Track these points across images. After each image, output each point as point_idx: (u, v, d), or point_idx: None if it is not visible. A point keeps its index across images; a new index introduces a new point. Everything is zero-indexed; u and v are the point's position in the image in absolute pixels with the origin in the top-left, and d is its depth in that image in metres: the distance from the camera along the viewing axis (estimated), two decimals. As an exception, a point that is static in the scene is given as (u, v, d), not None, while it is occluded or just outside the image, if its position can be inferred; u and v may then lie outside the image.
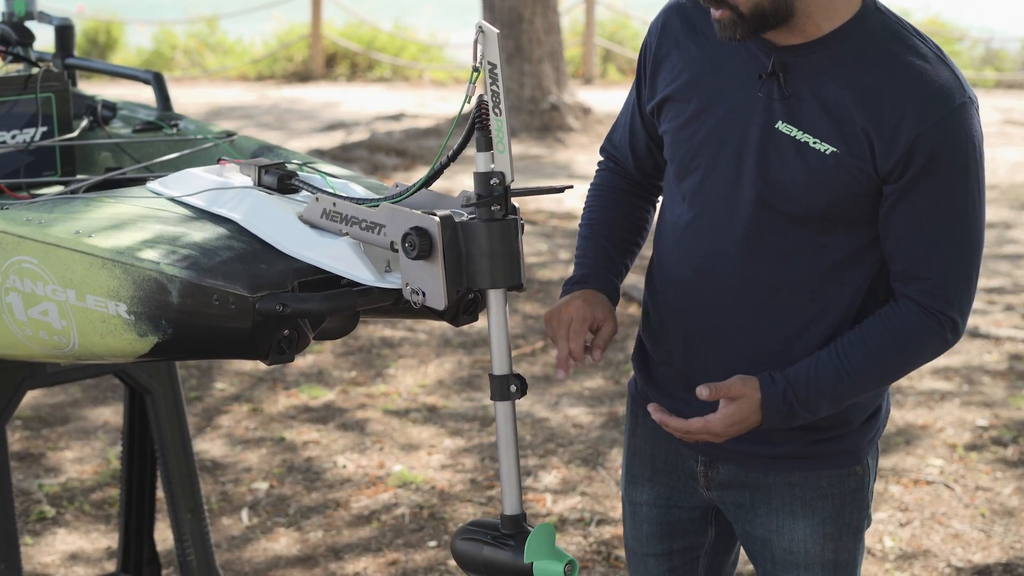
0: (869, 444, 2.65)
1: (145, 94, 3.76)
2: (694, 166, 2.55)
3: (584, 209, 2.82)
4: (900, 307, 2.48)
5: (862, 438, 2.64)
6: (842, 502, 2.63)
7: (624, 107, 2.77)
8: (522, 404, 5.83)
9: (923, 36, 2.46)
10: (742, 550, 2.85)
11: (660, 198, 2.78)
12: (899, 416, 5.95)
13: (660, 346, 2.69)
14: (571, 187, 2.73)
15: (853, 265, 2.51)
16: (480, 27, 2.26)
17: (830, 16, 2.43)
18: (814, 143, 2.42)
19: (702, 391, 2.47)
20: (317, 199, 2.50)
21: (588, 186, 2.87)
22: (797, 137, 2.44)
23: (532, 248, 7.83)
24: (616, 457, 5.47)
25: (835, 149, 2.41)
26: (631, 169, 2.79)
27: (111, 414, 6.01)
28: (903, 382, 6.33)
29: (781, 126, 2.45)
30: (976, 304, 7.50)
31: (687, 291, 2.60)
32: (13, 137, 3.29)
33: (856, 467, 2.64)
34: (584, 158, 12.16)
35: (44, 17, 3.73)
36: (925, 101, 2.37)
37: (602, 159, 2.86)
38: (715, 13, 2.42)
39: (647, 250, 2.74)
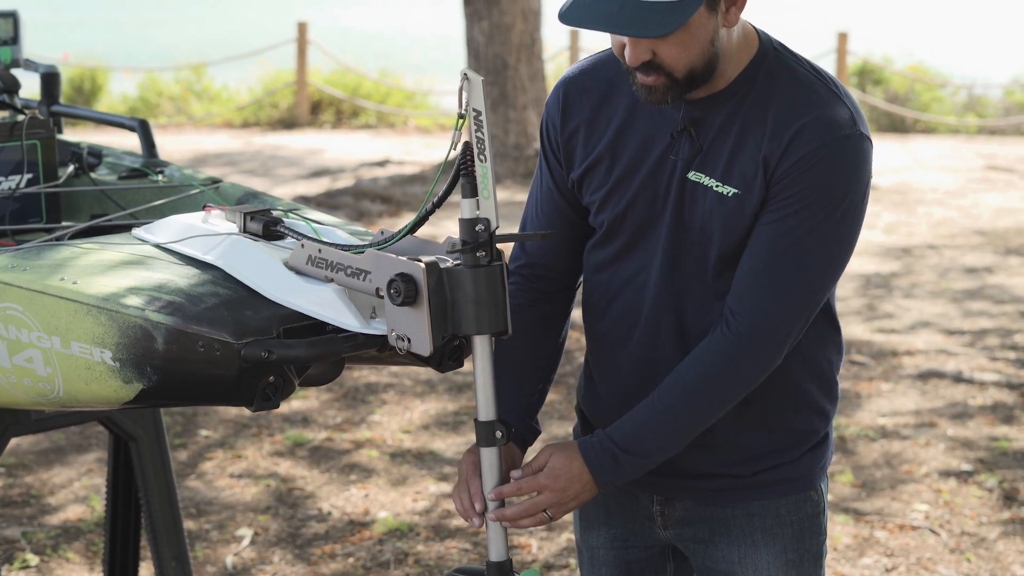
0: (821, 470, 2.70)
1: (131, 141, 3.77)
2: (623, 228, 2.59)
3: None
4: (711, 334, 2.50)
5: (814, 464, 2.68)
6: (801, 528, 2.67)
7: (532, 204, 2.71)
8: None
9: (820, 73, 2.52)
10: None
11: (577, 291, 2.77)
12: (884, 460, 5.95)
13: (604, 394, 2.71)
14: (556, 232, 2.74)
15: None
16: (465, 74, 2.28)
17: (735, 65, 2.49)
18: (717, 187, 2.48)
19: (514, 473, 2.52)
20: (303, 245, 2.50)
21: None
22: (705, 183, 2.49)
23: (517, 294, 7.86)
24: (602, 503, 5.46)
25: (737, 191, 2.47)
26: (552, 273, 2.72)
27: (95, 461, 5.99)
28: (887, 426, 6.34)
29: (692, 175, 2.51)
30: (960, 348, 7.52)
31: (624, 344, 2.64)
32: (-1, 184, 3.29)
33: (811, 492, 2.68)
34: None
35: (30, 65, 3.73)
36: (805, 131, 2.42)
37: (513, 278, 2.72)
38: (646, 79, 2.43)
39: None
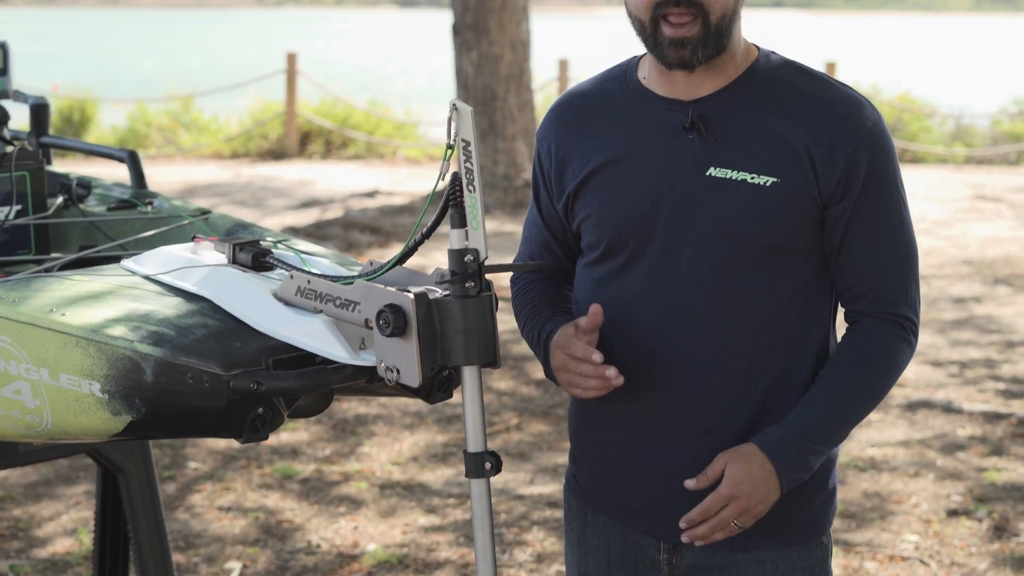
0: (832, 514, 2.69)
1: (120, 172, 3.77)
2: (627, 237, 2.56)
3: (518, 307, 2.80)
4: (864, 326, 2.55)
5: (826, 510, 2.66)
6: (812, 574, 2.64)
7: (527, 235, 2.79)
8: (497, 481, 5.81)
9: (818, 71, 2.59)
10: None
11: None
12: (874, 491, 5.94)
13: (614, 424, 2.66)
14: (545, 263, 2.74)
15: (803, 298, 2.55)
16: (454, 105, 2.28)
17: (742, 57, 2.55)
18: (752, 179, 2.47)
19: (689, 483, 2.51)
20: (291, 276, 2.50)
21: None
22: (733, 178, 2.48)
23: (506, 325, 7.86)
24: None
25: (775, 179, 2.47)
26: (556, 267, 2.80)
27: (83, 494, 5.97)
28: (877, 456, 6.33)
29: (714, 171, 2.49)
30: (949, 379, 7.53)
31: (642, 355, 2.57)
32: (-13, 215, 3.29)
33: (822, 538, 2.66)
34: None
35: (19, 96, 3.73)
36: (847, 119, 2.49)
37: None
38: (679, 30, 2.45)
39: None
